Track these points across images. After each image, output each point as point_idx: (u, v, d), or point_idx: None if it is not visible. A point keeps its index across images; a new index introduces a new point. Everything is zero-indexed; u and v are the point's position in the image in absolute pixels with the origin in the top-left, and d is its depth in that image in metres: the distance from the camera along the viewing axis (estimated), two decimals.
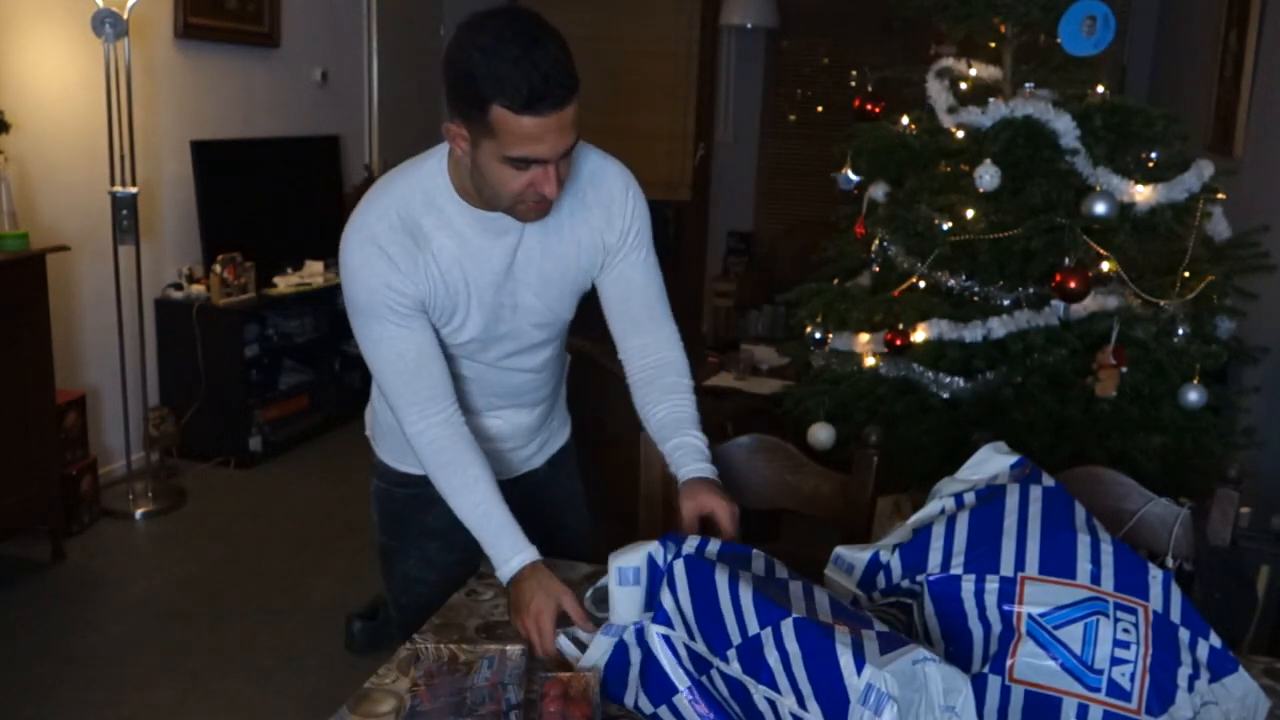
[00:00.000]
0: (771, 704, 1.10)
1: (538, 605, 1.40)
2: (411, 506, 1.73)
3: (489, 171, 1.38)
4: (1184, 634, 1.23)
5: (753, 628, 1.13)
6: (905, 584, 1.32)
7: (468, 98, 1.32)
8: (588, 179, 1.56)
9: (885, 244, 2.63)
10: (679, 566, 1.24)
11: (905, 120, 2.77)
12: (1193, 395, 2.34)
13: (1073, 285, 2.26)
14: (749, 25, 6.28)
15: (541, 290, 1.57)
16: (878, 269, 2.71)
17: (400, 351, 1.50)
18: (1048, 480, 1.38)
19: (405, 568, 1.77)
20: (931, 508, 1.39)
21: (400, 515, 1.75)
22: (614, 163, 1.59)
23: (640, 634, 1.26)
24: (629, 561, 1.28)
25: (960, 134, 2.54)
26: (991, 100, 2.49)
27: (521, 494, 1.75)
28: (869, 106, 2.88)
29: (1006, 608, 1.23)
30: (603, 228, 1.57)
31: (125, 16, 3.53)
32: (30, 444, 3.19)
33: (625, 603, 1.27)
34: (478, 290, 1.52)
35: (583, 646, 1.32)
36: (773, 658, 1.11)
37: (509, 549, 1.48)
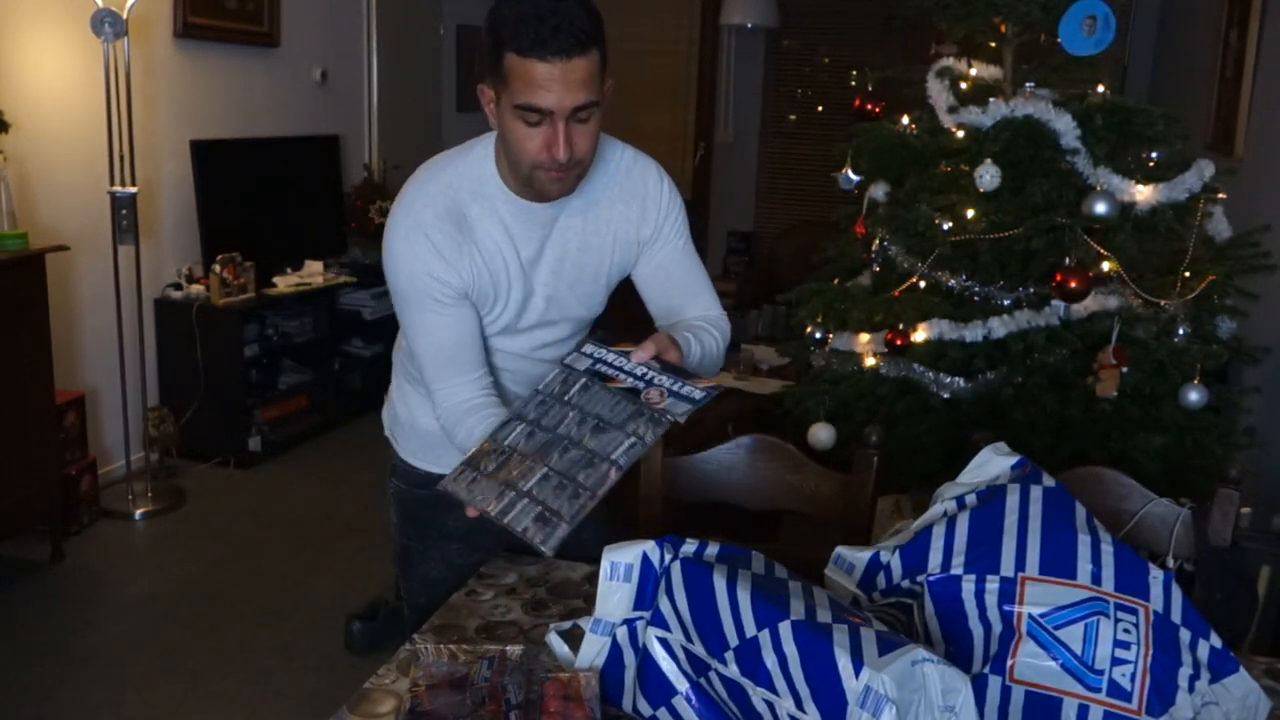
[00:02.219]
0: (770, 705, 1.10)
1: None
2: (432, 508, 1.72)
3: (508, 132, 1.40)
4: (1185, 634, 1.23)
5: (750, 630, 1.13)
6: (905, 584, 1.31)
7: (490, 49, 1.36)
8: (624, 173, 1.58)
9: (885, 244, 2.63)
10: (676, 569, 1.24)
11: (905, 120, 2.77)
12: (1193, 395, 2.34)
13: (1073, 285, 2.26)
14: (749, 25, 6.28)
15: (575, 282, 1.59)
16: (878, 269, 2.70)
17: (439, 340, 1.52)
18: (1048, 480, 1.37)
19: (425, 569, 1.77)
20: (934, 511, 1.39)
21: (421, 517, 1.75)
22: (646, 157, 1.62)
23: (634, 636, 1.26)
24: (622, 557, 1.27)
25: (960, 134, 2.53)
26: (992, 100, 2.49)
27: None
28: (869, 106, 2.87)
29: (1007, 608, 1.23)
30: (638, 221, 1.59)
31: (124, 16, 3.53)
32: (30, 444, 3.18)
33: (613, 598, 1.27)
34: (515, 278, 1.54)
35: (572, 643, 1.32)
36: (770, 660, 1.10)
37: None
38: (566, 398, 1.39)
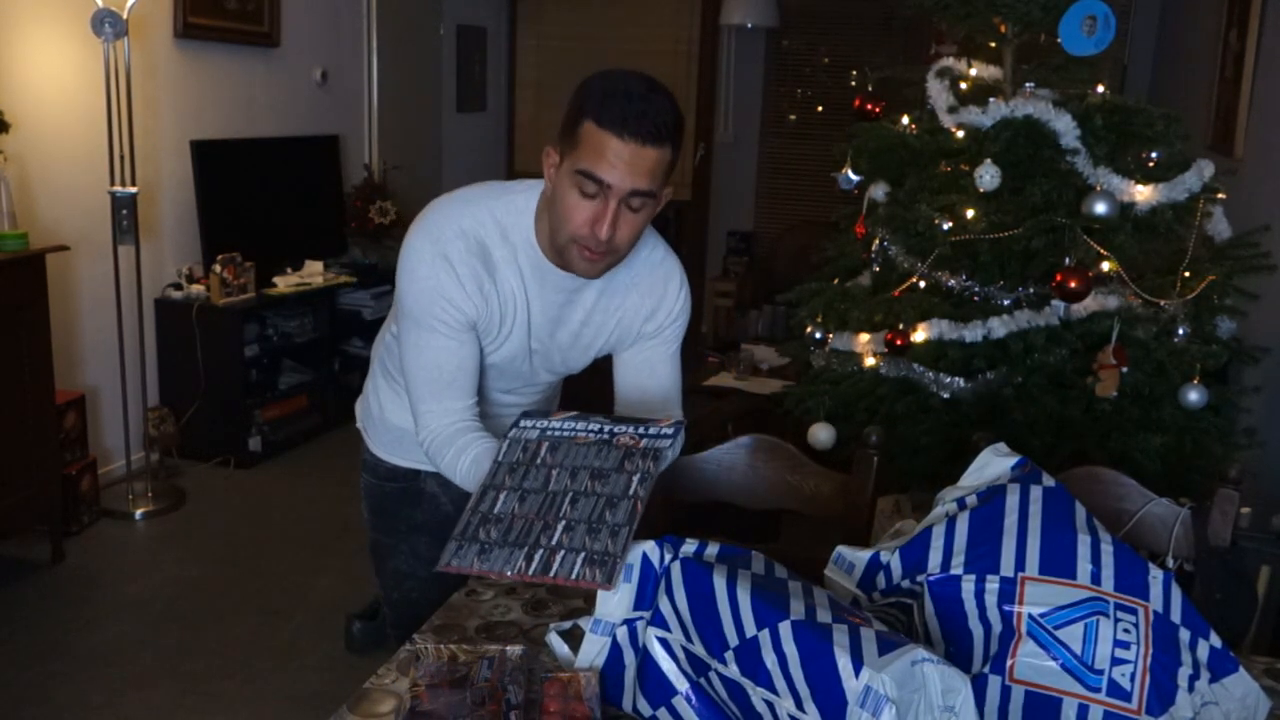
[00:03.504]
0: (770, 705, 1.10)
1: None
2: (399, 501, 1.74)
3: (561, 197, 1.41)
4: (1184, 634, 1.23)
5: (750, 630, 1.13)
6: (905, 584, 1.32)
7: (571, 114, 1.38)
8: (650, 268, 1.60)
9: (885, 244, 2.63)
10: (675, 569, 1.24)
11: (905, 120, 2.77)
12: (1193, 395, 2.34)
13: (1073, 285, 2.26)
14: (749, 25, 6.28)
15: (569, 347, 1.62)
16: (878, 269, 2.70)
17: (439, 363, 1.52)
18: (1048, 480, 1.37)
19: (396, 563, 1.79)
20: (935, 514, 1.39)
21: (389, 510, 1.77)
22: (675, 259, 1.64)
23: (633, 636, 1.26)
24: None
25: (960, 134, 2.53)
26: (992, 100, 2.48)
27: None
28: (869, 106, 2.87)
29: (1007, 608, 1.23)
30: (646, 316, 1.62)
31: (125, 16, 3.53)
32: (30, 444, 3.18)
33: (613, 598, 1.27)
34: (519, 327, 1.56)
35: (572, 643, 1.32)
36: (770, 660, 1.10)
37: None
38: (538, 460, 1.37)
